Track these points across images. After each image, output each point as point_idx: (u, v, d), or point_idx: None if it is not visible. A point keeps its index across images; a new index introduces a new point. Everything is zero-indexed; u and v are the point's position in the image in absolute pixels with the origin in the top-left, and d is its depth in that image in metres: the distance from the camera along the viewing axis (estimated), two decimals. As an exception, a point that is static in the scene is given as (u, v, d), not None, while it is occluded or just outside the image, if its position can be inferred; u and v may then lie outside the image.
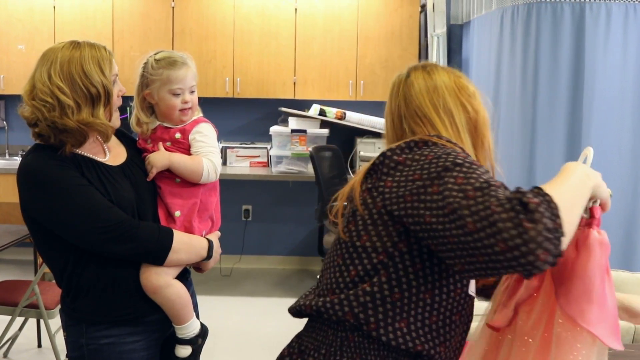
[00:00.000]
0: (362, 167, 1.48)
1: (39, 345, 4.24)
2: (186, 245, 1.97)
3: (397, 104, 1.53)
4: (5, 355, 4.09)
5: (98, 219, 1.83)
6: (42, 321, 4.03)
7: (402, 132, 1.52)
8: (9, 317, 3.65)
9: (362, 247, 1.42)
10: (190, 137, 2.07)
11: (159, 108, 2.07)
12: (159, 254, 1.91)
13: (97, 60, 1.88)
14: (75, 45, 1.89)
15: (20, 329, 4.09)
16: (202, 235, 2.05)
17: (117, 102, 1.96)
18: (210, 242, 2.05)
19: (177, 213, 2.00)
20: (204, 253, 2.03)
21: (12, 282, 3.93)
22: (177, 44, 5.60)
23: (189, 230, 2.01)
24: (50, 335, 3.66)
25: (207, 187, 2.08)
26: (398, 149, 1.42)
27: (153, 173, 2.00)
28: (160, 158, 2.01)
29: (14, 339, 4.09)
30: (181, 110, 2.05)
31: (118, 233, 1.84)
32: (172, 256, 1.93)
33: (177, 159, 2.02)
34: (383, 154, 1.43)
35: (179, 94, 2.04)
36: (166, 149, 2.06)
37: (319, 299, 1.48)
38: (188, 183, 2.04)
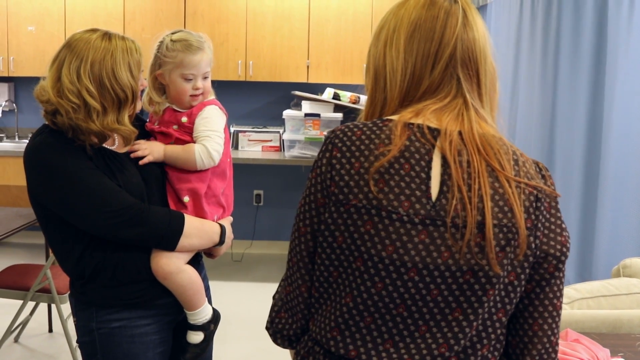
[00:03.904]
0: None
1: (50, 330, 4.22)
2: (198, 230, 1.92)
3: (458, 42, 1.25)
4: (16, 340, 4.07)
5: (107, 204, 1.78)
6: (53, 306, 4.02)
7: (440, 78, 1.26)
8: (20, 302, 3.62)
9: (511, 285, 1.21)
10: (195, 120, 2.01)
11: (169, 90, 2.02)
12: (170, 238, 1.86)
13: (128, 62, 1.83)
14: (106, 39, 1.83)
15: (32, 313, 4.07)
16: (213, 220, 2.00)
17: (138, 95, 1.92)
18: (222, 227, 1.99)
19: (186, 198, 1.95)
20: (216, 238, 1.98)
21: (23, 266, 3.90)
22: (189, 26, 5.53)
23: (200, 215, 1.96)
24: (62, 320, 3.63)
25: (215, 173, 2.02)
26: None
27: (148, 160, 1.93)
28: (157, 149, 1.96)
29: (25, 323, 4.07)
30: (192, 95, 1.99)
31: (127, 217, 1.79)
32: (184, 241, 1.88)
33: (170, 151, 1.96)
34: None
35: (190, 79, 1.98)
36: (173, 133, 2.00)
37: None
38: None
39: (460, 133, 1.22)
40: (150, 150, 1.94)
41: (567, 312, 2.29)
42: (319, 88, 5.71)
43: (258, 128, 5.83)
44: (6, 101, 5.89)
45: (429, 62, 1.25)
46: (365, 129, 1.23)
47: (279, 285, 1.39)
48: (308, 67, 5.66)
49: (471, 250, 1.17)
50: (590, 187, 4.38)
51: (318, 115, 5.41)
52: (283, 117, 5.53)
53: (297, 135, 5.45)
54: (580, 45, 4.29)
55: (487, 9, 5.01)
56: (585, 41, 4.28)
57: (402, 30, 1.27)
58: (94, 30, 1.85)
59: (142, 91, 1.99)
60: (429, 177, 1.19)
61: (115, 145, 1.93)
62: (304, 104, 5.49)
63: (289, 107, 5.70)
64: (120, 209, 1.79)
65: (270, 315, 1.38)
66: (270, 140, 5.76)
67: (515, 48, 4.63)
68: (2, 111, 5.92)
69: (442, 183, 1.19)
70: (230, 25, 5.63)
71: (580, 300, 2.38)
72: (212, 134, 1.98)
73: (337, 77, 5.66)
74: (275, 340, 1.38)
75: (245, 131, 5.75)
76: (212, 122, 2.00)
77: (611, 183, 4.30)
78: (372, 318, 1.21)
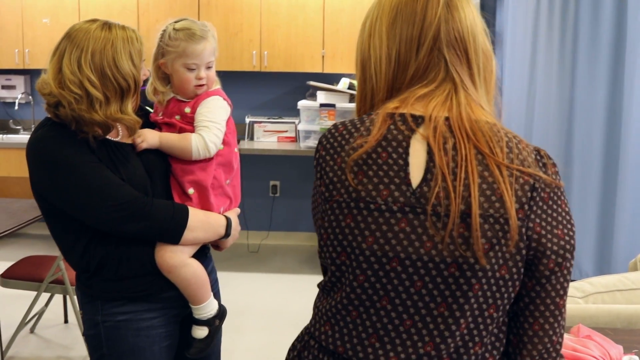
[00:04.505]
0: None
1: (66, 321, 4.24)
2: (203, 222, 1.90)
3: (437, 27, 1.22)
4: (32, 330, 4.09)
5: (109, 197, 1.76)
6: (68, 297, 4.03)
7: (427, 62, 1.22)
8: (35, 293, 3.64)
9: (502, 279, 1.16)
10: (197, 110, 1.98)
11: (173, 80, 1.99)
12: (174, 232, 1.83)
13: (129, 51, 1.81)
14: (106, 29, 1.81)
15: (47, 304, 4.09)
16: (219, 212, 1.97)
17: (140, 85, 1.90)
18: (228, 220, 1.97)
19: (191, 190, 1.93)
20: (222, 231, 1.95)
21: (38, 257, 3.92)
22: (202, 17, 5.51)
23: (206, 207, 1.94)
24: (75, 311, 3.65)
25: (220, 163, 1.99)
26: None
27: (141, 147, 1.90)
28: (151, 136, 1.92)
29: (40, 314, 4.09)
30: (195, 85, 1.96)
31: (130, 211, 1.77)
32: (188, 234, 1.85)
33: (166, 139, 1.93)
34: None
35: (193, 69, 1.95)
36: (176, 122, 1.98)
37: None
38: (199, 159, 1.95)
39: (447, 119, 1.18)
40: (144, 138, 1.90)
41: (581, 306, 2.25)
42: (334, 78, 5.66)
43: (273, 119, 5.81)
44: (22, 93, 5.92)
45: (412, 46, 1.22)
46: (348, 124, 1.23)
47: None
48: (323, 57, 5.62)
49: (454, 242, 1.13)
50: (610, 180, 4.31)
51: (333, 105, 5.37)
52: (298, 107, 5.50)
53: (312, 126, 5.41)
54: (599, 35, 4.22)
55: (505, -3, 4.94)
56: (604, 31, 4.20)
57: (384, 18, 1.25)
58: (93, 21, 1.83)
59: (146, 81, 1.97)
60: (406, 164, 1.16)
61: (119, 136, 1.91)
62: (319, 94, 5.46)
63: (304, 98, 5.67)
64: (123, 203, 1.77)
65: None
66: (286, 131, 5.73)
67: (533, 38, 4.56)
68: (19, 103, 5.95)
69: (427, 171, 1.16)
70: (245, 16, 5.60)
71: (595, 295, 2.34)
72: (210, 125, 1.94)
73: (353, 67, 5.56)
74: None
75: (260, 122, 5.73)
76: (212, 112, 1.97)
77: (630, 175, 4.23)
78: (357, 312, 1.20)
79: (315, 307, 1.30)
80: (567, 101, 4.38)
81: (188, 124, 1.97)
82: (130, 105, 1.83)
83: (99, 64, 1.77)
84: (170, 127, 1.98)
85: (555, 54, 4.41)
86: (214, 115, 1.96)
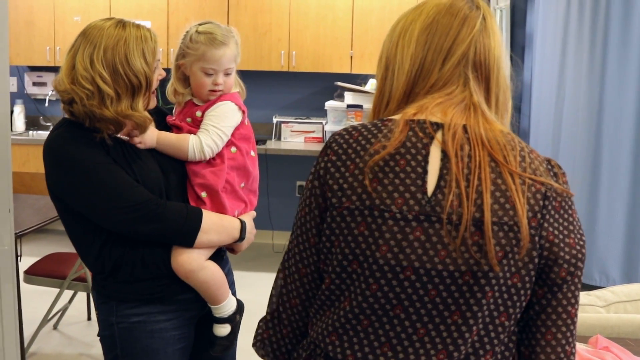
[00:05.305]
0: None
1: (89, 318, 4.27)
2: (217, 225, 1.88)
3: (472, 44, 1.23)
4: (55, 327, 4.13)
5: (122, 199, 1.75)
6: (91, 294, 4.06)
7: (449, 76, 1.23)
8: (58, 290, 3.67)
9: (514, 287, 1.15)
10: (205, 113, 1.97)
11: (191, 82, 1.98)
12: (187, 234, 1.82)
13: (142, 49, 1.81)
14: (120, 27, 1.81)
15: (70, 301, 4.13)
16: (234, 216, 1.96)
17: (155, 85, 1.89)
18: (243, 223, 1.95)
19: (204, 194, 1.92)
20: (237, 234, 1.94)
21: (62, 254, 3.95)
22: (232, 16, 5.52)
23: (220, 210, 1.92)
24: (98, 308, 3.66)
25: (233, 167, 1.98)
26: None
27: (140, 147, 1.88)
28: (148, 136, 1.90)
29: (64, 311, 4.13)
30: (210, 90, 1.95)
31: (143, 213, 1.76)
32: (202, 237, 1.84)
33: (162, 138, 1.91)
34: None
35: (211, 74, 1.93)
36: (184, 126, 1.97)
37: None
38: (210, 163, 1.94)
39: (465, 127, 1.18)
40: (142, 139, 1.88)
41: (603, 315, 2.19)
42: (362, 79, 5.63)
43: (301, 119, 5.80)
44: (53, 90, 5.97)
45: (440, 57, 1.22)
46: (363, 130, 1.21)
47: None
48: (351, 57, 5.59)
49: (469, 249, 1.12)
50: (638, 183, 4.22)
51: (361, 106, 5.35)
52: (326, 108, 5.49)
53: (339, 127, 5.38)
54: (630, 37, 4.13)
55: (536, -2, 4.86)
56: (634, 33, 4.12)
57: (419, 22, 1.26)
58: (109, 19, 1.84)
59: (164, 81, 1.97)
60: (425, 172, 1.15)
61: None
62: (347, 95, 5.43)
63: (332, 98, 5.65)
64: (135, 204, 1.76)
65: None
66: (313, 132, 5.72)
67: (563, 39, 4.49)
68: (49, 100, 6.02)
69: (440, 177, 1.15)
70: (274, 15, 5.59)
71: (617, 304, 2.28)
72: (212, 129, 1.93)
73: (381, 68, 5.58)
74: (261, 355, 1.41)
75: (287, 122, 5.73)
76: (218, 117, 1.95)
77: (662, 180, 4.14)
78: (369, 321, 1.18)
79: (314, 322, 1.28)
80: (597, 103, 4.30)
81: (196, 127, 1.96)
82: (141, 103, 1.83)
83: (111, 60, 1.78)
84: (180, 130, 1.98)
85: (585, 56, 4.33)
86: (219, 120, 1.95)
